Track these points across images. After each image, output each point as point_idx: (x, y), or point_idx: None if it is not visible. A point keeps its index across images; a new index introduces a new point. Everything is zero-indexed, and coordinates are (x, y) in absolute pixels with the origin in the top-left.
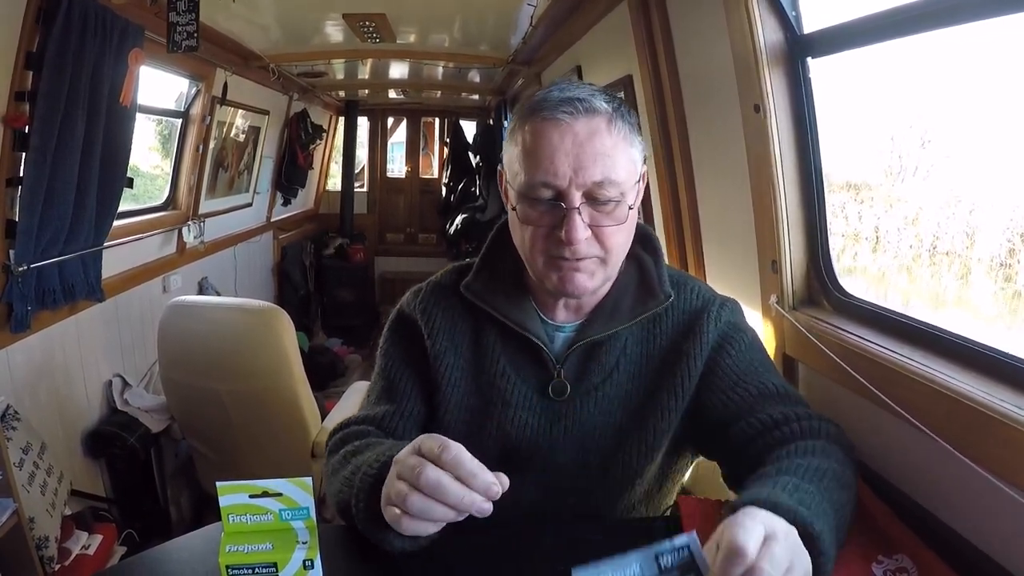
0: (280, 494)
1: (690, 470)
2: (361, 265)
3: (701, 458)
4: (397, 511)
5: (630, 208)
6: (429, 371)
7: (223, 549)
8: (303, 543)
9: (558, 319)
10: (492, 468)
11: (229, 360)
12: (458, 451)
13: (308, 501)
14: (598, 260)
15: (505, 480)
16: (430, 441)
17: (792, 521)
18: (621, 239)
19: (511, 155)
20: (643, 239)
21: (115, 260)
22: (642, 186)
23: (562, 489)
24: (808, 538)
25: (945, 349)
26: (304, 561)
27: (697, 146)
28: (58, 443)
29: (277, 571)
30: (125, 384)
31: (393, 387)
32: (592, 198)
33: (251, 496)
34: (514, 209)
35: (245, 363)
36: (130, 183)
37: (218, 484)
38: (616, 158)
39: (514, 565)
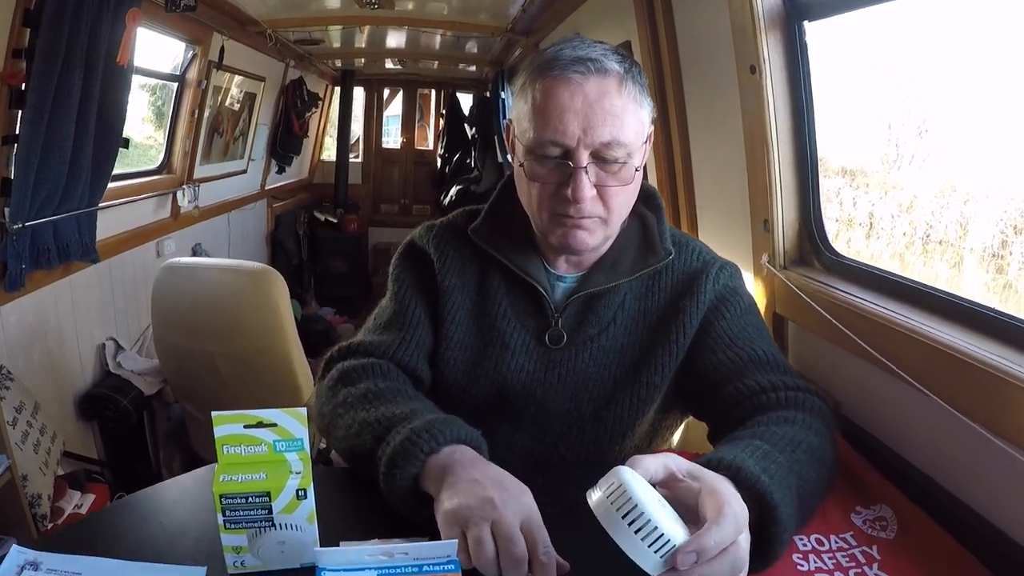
0: (275, 424)
1: (679, 431)
2: (355, 235)
3: (691, 419)
4: (458, 535)
5: (636, 170)
6: (436, 304)
7: (217, 479)
8: (296, 473)
9: (560, 270)
10: (487, 412)
11: (222, 321)
12: (550, 565)
13: (302, 432)
14: (600, 220)
15: None
16: (536, 531)
17: (751, 487)
18: (624, 200)
19: (520, 110)
20: (646, 197)
21: (110, 222)
22: (648, 147)
23: (555, 437)
24: (766, 507)
25: (932, 305)
26: (297, 491)
27: (693, 108)
28: (51, 405)
29: (270, 500)
30: (118, 347)
31: (405, 313)
32: (599, 158)
33: (246, 426)
34: (521, 165)
35: (238, 324)
36: (125, 143)
37: (213, 414)
38: (625, 119)
39: None
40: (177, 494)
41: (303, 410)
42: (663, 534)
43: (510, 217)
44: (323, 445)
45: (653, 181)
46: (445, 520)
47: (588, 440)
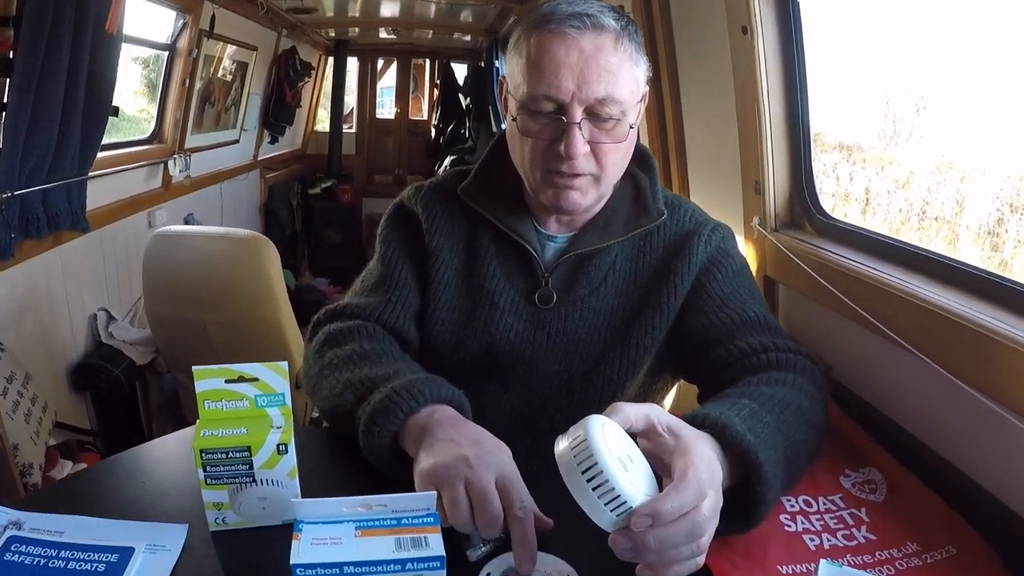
0: (256, 379)
1: (671, 396)
2: (349, 206)
3: (682, 383)
4: (436, 495)
5: (631, 127)
6: (425, 265)
7: (197, 434)
8: (277, 428)
9: (551, 229)
10: (476, 373)
11: (214, 289)
12: (527, 518)
13: (284, 387)
14: (592, 178)
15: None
16: (512, 485)
17: (736, 446)
18: (617, 158)
19: (514, 65)
20: (639, 158)
21: (100, 192)
22: (643, 107)
23: (543, 398)
24: (751, 466)
25: (925, 267)
26: (278, 445)
27: (685, 69)
28: (43, 376)
29: (251, 455)
30: (110, 317)
31: (392, 275)
32: (593, 114)
33: (227, 381)
34: (514, 120)
35: (229, 293)
36: (115, 111)
37: (194, 369)
38: (620, 76)
39: None
40: (160, 454)
41: (284, 364)
42: (619, 495)
43: (501, 177)
44: (315, 414)
45: (644, 139)
46: (420, 480)
47: (577, 401)
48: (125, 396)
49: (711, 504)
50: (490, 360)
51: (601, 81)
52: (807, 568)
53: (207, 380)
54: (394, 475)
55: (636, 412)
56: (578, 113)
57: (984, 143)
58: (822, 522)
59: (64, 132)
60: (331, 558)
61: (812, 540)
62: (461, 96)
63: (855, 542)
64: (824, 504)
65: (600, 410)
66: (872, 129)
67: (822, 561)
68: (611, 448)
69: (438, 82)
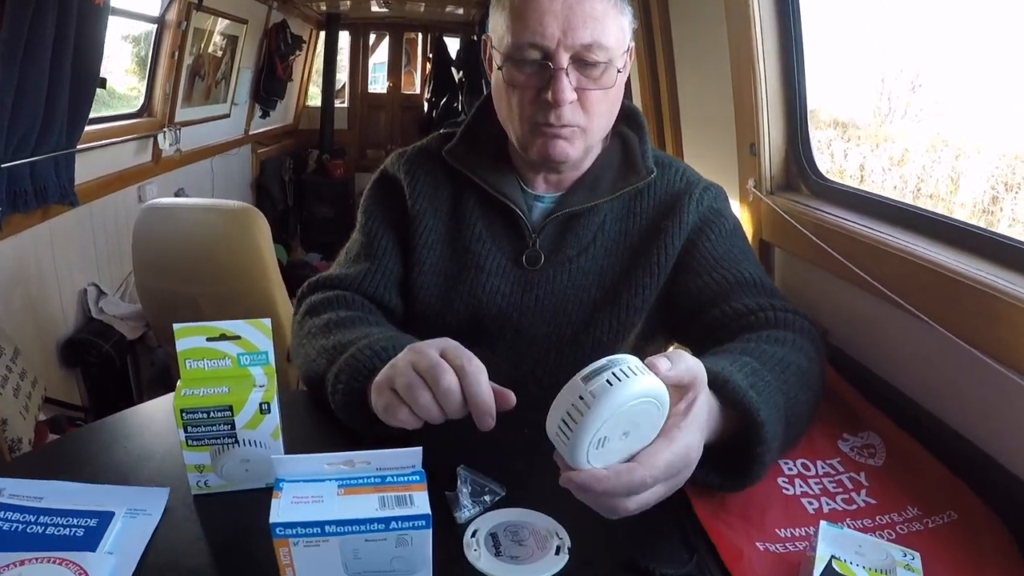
0: (239, 337)
1: None
2: (341, 181)
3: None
4: (396, 400)
5: (619, 72)
6: (407, 231)
7: (178, 393)
8: (260, 387)
9: (538, 189)
10: (463, 337)
11: (204, 262)
12: (478, 371)
13: (267, 345)
14: (579, 130)
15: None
16: (456, 350)
17: (738, 402)
18: (604, 108)
19: (497, 20)
20: (628, 116)
21: (89, 165)
22: (630, 60)
23: (531, 362)
24: (752, 424)
25: (924, 227)
26: (260, 404)
27: (678, 27)
28: (33, 352)
29: (233, 415)
30: (100, 292)
31: (372, 244)
32: (580, 61)
33: (208, 339)
34: (500, 68)
35: (220, 265)
36: (103, 84)
37: (175, 327)
38: (606, 24)
39: (475, 435)
40: (145, 419)
41: (267, 321)
42: (569, 456)
43: (486, 137)
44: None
45: (636, 100)
46: (376, 393)
47: (566, 364)
48: (116, 371)
49: (644, 500)
50: (477, 323)
51: (587, 27)
52: (806, 531)
53: (188, 338)
54: (369, 434)
55: (689, 374)
56: (564, 59)
57: (979, 122)
58: (820, 486)
59: (51, 104)
60: (312, 516)
61: (811, 504)
62: (454, 70)
63: (855, 506)
64: (823, 468)
65: None
66: (867, 106)
67: (822, 523)
68: (612, 426)
69: (430, 56)
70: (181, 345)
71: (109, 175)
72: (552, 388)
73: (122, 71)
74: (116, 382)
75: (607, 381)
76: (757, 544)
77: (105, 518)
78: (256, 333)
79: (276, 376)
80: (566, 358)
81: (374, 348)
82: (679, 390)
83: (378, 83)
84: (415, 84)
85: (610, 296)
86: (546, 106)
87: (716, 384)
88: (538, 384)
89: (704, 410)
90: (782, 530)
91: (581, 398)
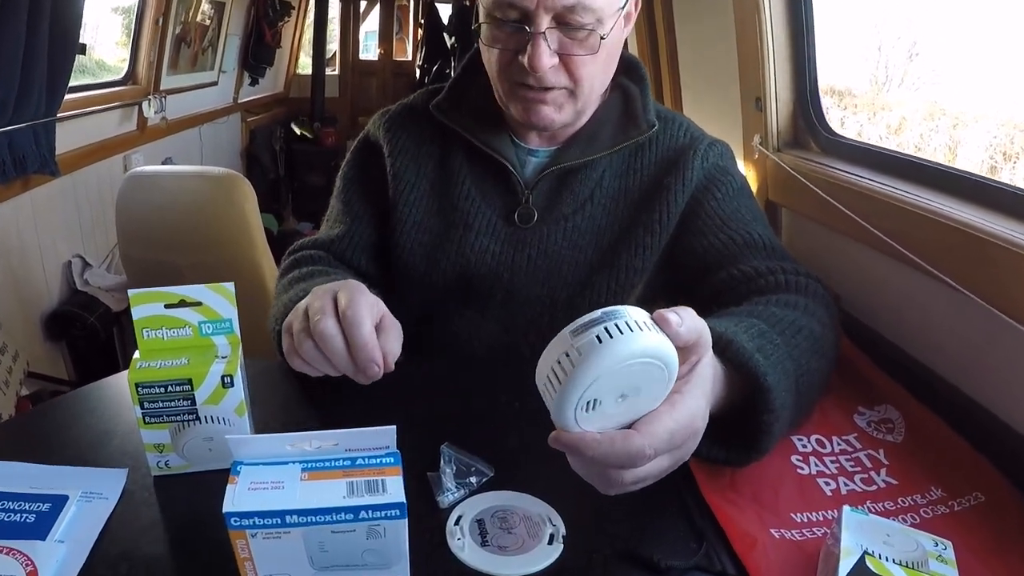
0: (199, 303)
1: None
2: (332, 149)
3: None
4: (287, 345)
5: (602, 38)
6: (387, 193)
7: (133, 366)
8: (222, 358)
9: (532, 143)
10: (452, 299)
11: (189, 231)
12: (358, 314)
13: (231, 312)
14: (567, 92)
15: (389, 362)
16: (346, 292)
17: (742, 365)
18: (594, 70)
19: None
20: (629, 67)
21: (72, 135)
22: (624, 20)
23: (524, 325)
24: (759, 391)
25: (943, 183)
26: (223, 377)
27: None
28: (15, 325)
29: (192, 389)
30: (85, 264)
31: (347, 209)
32: (563, 23)
33: (167, 306)
34: (481, 25)
35: (205, 233)
36: (83, 50)
37: (130, 293)
38: None
39: (464, 401)
40: (109, 393)
41: (230, 286)
42: (553, 411)
43: (476, 91)
44: None
45: (632, 51)
46: (284, 334)
47: (560, 328)
48: (102, 343)
49: (643, 473)
50: (466, 284)
51: None
52: (823, 516)
53: (145, 305)
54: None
55: (696, 335)
56: (544, 22)
57: (978, 91)
58: (837, 464)
59: (28, 70)
60: (271, 505)
61: (828, 484)
62: (446, 36)
63: (874, 487)
64: (839, 444)
65: None
66: (864, 74)
67: (845, 508)
68: (603, 387)
69: (422, 22)
70: (137, 313)
71: (92, 144)
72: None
73: (112, 43)
74: (102, 355)
75: (596, 337)
76: (772, 531)
77: (58, 503)
78: (219, 299)
79: (242, 346)
80: (561, 322)
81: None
82: (682, 352)
83: (370, 51)
84: (407, 51)
85: (608, 257)
86: (524, 69)
87: (719, 346)
88: (531, 348)
89: (709, 374)
90: (798, 514)
91: (567, 354)
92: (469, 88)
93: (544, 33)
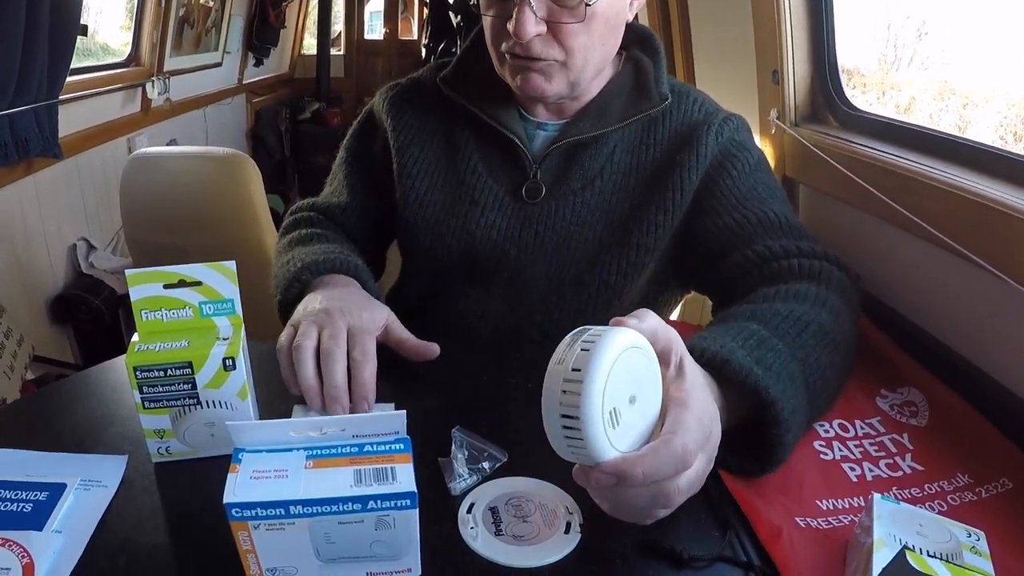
0: (200, 283)
1: (675, 314)
2: (338, 130)
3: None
4: (283, 344)
5: (587, 5)
6: (389, 168)
7: (131, 348)
8: (224, 340)
9: (540, 116)
10: (457, 276)
11: (193, 212)
12: (365, 365)
13: (232, 292)
14: (558, 64)
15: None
16: (361, 336)
17: (742, 382)
18: (587, 41)
19: None
20: (643, 40)
21: (75, 117)
22: None
23: (531, 304)
24: (763, 405)
25: (973, 160)
26: (224, 360)
27: None
28: (20, 309)
29: (193, 372)
30: (90, 247)
31: (347, 182)
32: None
33: (166, 286)
34: None
35: (210, 214)
36: (84, 31)
37: (127, 273)
38: None
39: (473, 384)
40: (110, 377)
41: (231, 264)
42: (588, 451)
43: (483, 64)
44: None
45: (641, 19)
46: (285, 335)
47: (568, 308)
48: (108, 326)
49: (694, 475)
50: (471, 261)
51: None
52: (850, 503)
53: (143, 286)
54: None
55: (663, 331)
56: None
57: (988, 70)
58: (861, 449)
59: (29, 52)
60: (274, 496)
61: (852, 470)
62: (452, 14)
63: (900, 472)
64: (862, 428)
65: (594, 318)
66: (873, 54)
67: (875, 495)
68: (615, 391)
69: (427, 1)
70: (135, 294)
71: (96, 126)
72: (552, 334)
73: (116, 27)
74: (108, 337)
75: (582, 350)
76: (797, 520)
77: (56, 491)
78: (219, 278)
79: (245, 327)
80: (569, 301)
81: (306, 263)
82: (662, 359)
83: (375, 31)
84: (412, 30)
85: (618, 235)
86: (511, 36)
87: (714, 366)
88: (537, 329)
89: (698, 371)
90: (823, 502)
91: (567, 380)
92: (476, 62)
93: (528, 0)
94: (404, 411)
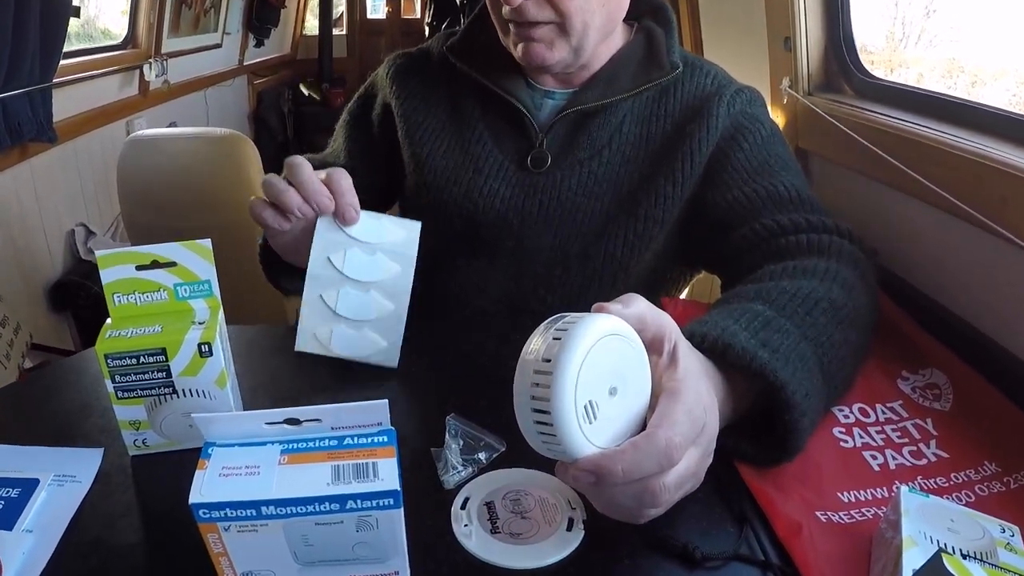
0: (174, 263)
1: (686, 291)
2: (341, 110)
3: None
4: (253, 201)
5: None
6: (387, 135)
7: (102, 335)
8: (199, 324)
9: (547, 84)
10: (459, 247)
11: (192, 194)
12: (340, 177)
13: (209, 272)
14: (555, 28)
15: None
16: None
17: (746, 366)
18: (582, 3)
19: None
20: (655, 9)
21: (71, 100)
22: None
23: (534, 277)
24: (772, 389)
25: (994, 126)
26: (200, 346)
27: None
28: (18, 297)
29: (167, 359)
30: (89, 232)
31: (344, 144)
32: None
33: (138, 268)
34: None
35: (208, 196)
36: (76, 12)
37: (98, 254)
38: None
39: (470, 365)
40: (85, 367)
41: (207, 243)
42: (562, 447)
43: (490, 33)
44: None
45: None
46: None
47: (573, 281)
48: (106, 313)
49: (684, 471)
50: (473, 231)
51: None
52: (873, 495)
53: (114, 268)
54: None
55: (652, 316)
56: None
57: (997, 48)
58: (883, 435)
59: (19, 36)
60: (243, 495)
61: (875, 458)
62: None
63: (924, 460)
64: (883, 413)
65: (600, 292)
66: (880, 31)
67: (902, 487)
68: (590, 382)
69: None
70: (107, 276)
71: (93, 110)
72: (557, 308)
73: (118, 12)
74: None
75: (554, 338)
76: (818, 514)
77: (28, 488)
78: (195, 258)
79: (230, 310)
80: (574, 274)
81: None
82: (652, 345)
83: (377, 10)
84: (415, 9)
85: (626, 206)
86: (506, 2)
87: (715, 351)
88: (541, 302)
89: (694, 358)
90: (845, 494)
91: (537, 371)
92: (483, 31)
93: None
94: (386, 400)
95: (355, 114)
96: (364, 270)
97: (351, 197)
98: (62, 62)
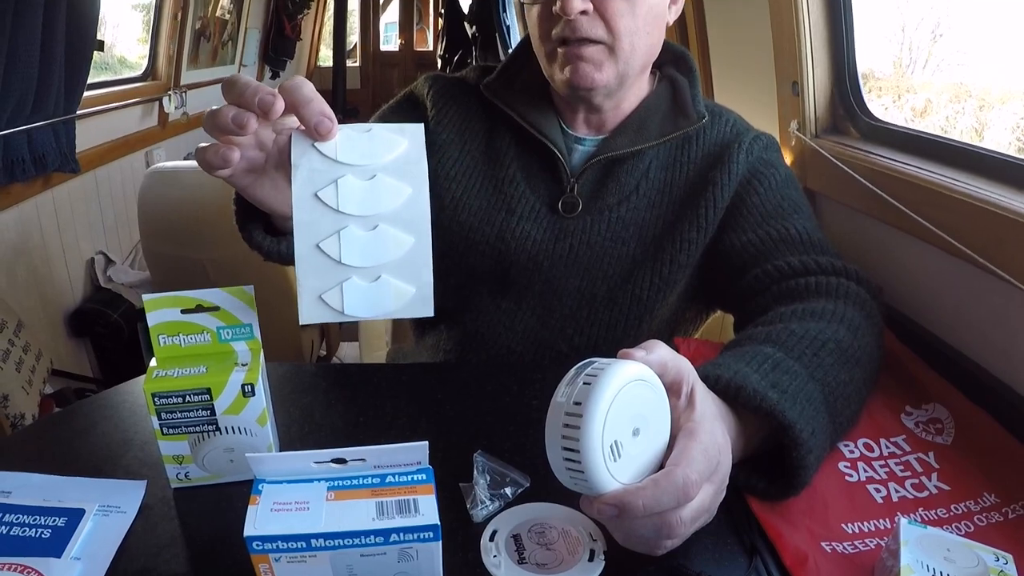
0: (217, 308)
1: (700, 330)
2: None
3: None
4: (427, 446)
5: None
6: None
7: (150, 375)
8: (243, 365)
9: (580, 131)
10: (488, 286)
11: (211, 226)
12: (301, 85)
13: (251, 317)
14: (605, 48)
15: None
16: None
17: (757, 407)
18: (632, 24)
19: None
20: (677, 59)
21: (93, 132)
22: None
23: (561, 318)
24: (781, 429)
25: (1000, 173)
26: (243, 386)
27: None
28: (39, 324)
29: (212, 399)
30: (108, 261)
31: None
32: None
33: (183, 311)
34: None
35: (227, 228)
36: (100, 46)
37: (145, 298)
38: None
39: (497, 404)
40: (121, 401)
41: (249, 289)
42: (588, 483)
43: (528, 73)
44: (323, 351)
45: None
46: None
47: (600, 323)
48: (126, 340)
49: (699, 506)
50: (503, 271)
51: None
52: (876, 526)
53: (160, 311)
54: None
55: (672, 362)
56: None
57: (1004, 71)
58: (887, 469)
59: (46, 68)
60: (295, 528)
61: (878, 491)
62: (467, 24)
63: (926, 493)
64: (887, 448)
65: (626, 334)
66: (887, 57)
67: (902, 520)
68: (616, 424)
69: (443, 12)
70: (152, 319)
71: (114, 141)
72: (583, 349)
73: (134, 41)
74: (126, 351)
75: (584, 383)
76: (823, 545)
77: (75, 517)
78: (237, 303)
79: (264, 351)
80: (600, 316)
81: None
82: (671, 388)
83: (390, 42)
84: (428, 41)
85: (652, 251)
86: (559, 19)
87: (728, 394)
88: (568, 343)
89: (710, 400)
90: (849, 525)
91: (568, 414)
92: (521, 70)
93: None
94: (426, 442)
95: (389, 112)
96: (366, 202)
97: (320, 104)
98: (84, 94)
